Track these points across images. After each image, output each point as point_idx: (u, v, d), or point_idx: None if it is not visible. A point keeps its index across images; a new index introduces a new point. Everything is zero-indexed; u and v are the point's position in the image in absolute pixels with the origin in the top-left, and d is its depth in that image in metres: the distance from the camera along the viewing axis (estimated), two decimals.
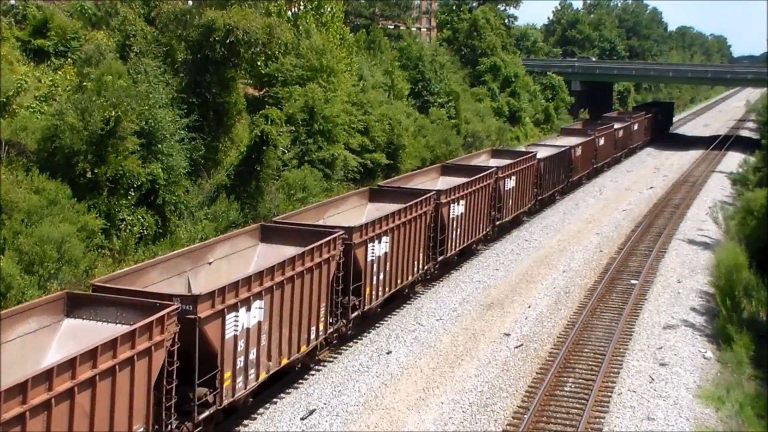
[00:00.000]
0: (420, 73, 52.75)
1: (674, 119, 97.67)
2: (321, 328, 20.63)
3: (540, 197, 41.52)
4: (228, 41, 29.62)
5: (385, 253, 23.84)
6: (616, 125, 61.95)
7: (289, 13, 43.17)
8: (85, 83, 26.01)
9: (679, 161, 67.21)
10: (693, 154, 71.30)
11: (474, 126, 54.98)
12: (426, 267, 27.57)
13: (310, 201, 31.70)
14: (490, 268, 31.72)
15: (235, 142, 32.58)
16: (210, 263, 19.57)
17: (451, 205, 28.77)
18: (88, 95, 24.72)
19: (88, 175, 23.87)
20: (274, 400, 19.43)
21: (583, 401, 19.93)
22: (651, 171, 61.23)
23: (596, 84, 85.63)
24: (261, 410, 18.85)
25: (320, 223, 23.73)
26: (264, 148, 29.42)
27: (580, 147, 49.22)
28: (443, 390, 20.45)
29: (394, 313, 25.94)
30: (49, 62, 29.09)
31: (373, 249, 23.01)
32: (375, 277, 23.39)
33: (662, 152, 72.85)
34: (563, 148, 46.25)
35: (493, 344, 23.75)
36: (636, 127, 69.13)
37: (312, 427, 18.23)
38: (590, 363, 22.43)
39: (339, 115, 36.64)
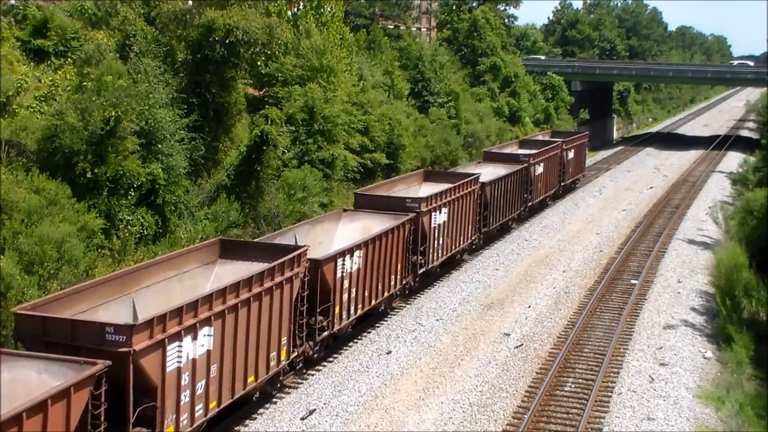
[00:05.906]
0: (420, 73, 52.65)
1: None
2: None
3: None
4: (228, 41, 29.60)
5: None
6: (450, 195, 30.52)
7: (289, 13, 43.13)
8: (85, 83, 25.99)
9: (679, 161, 67.23)
10: (693, 154, 71.34)
11: (474, 126, 54.92)
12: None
13: (310, 201, 31.71)
14: (490, 268, 31.73)
15: (235, 142, 32.54)
16: None
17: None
18: (88, 95, 24.70)
19: (88, 175, 23.83)
20: (274, 400, 19.43)
21: (583, 401, 19.95)
22: (651, 171, 61.22)
23: (596, 84, 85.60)
24: (261, 410, 18.85)
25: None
26: (264, 148, 29.40)
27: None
28: (443, 390, 20.45)
29: (393, 314, 25.94)
30: (49, 62, 29.01)
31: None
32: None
33: (662, 152, 72.89)
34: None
35: (493, 344, 23.76)
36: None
37: (312, 427, 18.23)
38: (590, 363, 22.45)
39: (339, 115, 36.61)
